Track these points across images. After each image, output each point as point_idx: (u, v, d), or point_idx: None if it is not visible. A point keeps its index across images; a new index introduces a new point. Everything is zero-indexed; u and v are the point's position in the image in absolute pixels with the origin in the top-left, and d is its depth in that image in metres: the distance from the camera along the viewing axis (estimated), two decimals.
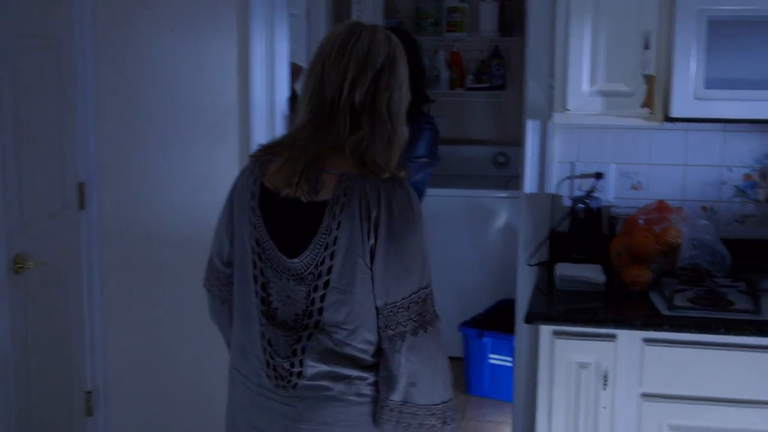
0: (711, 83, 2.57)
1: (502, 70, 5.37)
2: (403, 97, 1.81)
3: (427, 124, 3.14)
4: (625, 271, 2.75)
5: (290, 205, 1.75)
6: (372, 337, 1.77)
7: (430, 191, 4.90)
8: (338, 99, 1.73)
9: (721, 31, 2.53)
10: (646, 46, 2.65)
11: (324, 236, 1.73)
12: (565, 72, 2.74)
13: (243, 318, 1.86)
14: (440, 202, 4.98)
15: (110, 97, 3.30)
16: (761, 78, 2.55)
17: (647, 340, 2.51)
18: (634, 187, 3.08)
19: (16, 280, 2.92)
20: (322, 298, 1.74)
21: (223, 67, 3.23)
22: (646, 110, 2.69)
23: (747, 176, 3.02)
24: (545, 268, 3.02)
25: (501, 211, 4.97)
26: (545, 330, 2.57)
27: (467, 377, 4.61)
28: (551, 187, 3.12)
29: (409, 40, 3.13)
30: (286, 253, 1.77)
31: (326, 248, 1.72)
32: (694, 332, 2.46)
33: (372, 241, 1.71)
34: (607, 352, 2.53)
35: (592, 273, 2.79)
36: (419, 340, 1.73)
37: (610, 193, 3.09)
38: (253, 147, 3.02)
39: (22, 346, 2.99)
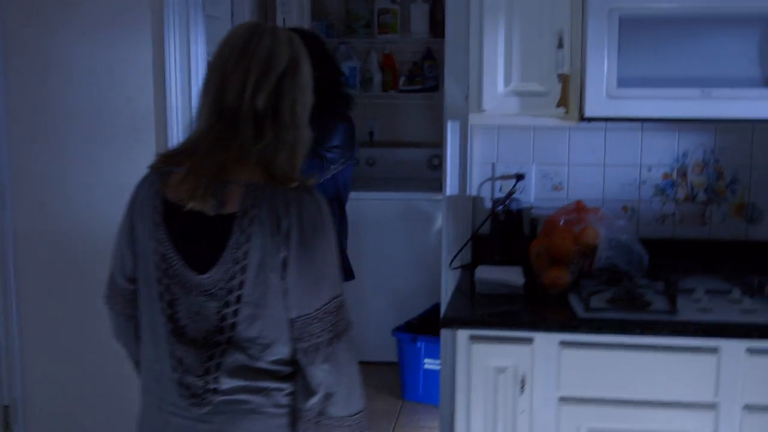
0: (624, 82, 2.54)
1: (435, 72, 5.34)
2: (307, 100, 1.75)
3: (342, 118, 3.08)
4: (544, 273, 2.72)
5: (196, 219, 1.67)
6: (287, 349, 1.72)
7: (365, 195, 4.91)
8: (240, 104, 1.66)
9: (632, 29, 2.50)
10: (560, 45, 2.63)
11: (234, 251, 1.66)
12: (480, 72, 2.69)
13: (151, 336, 1.78)
14: (375, 206, 4.94)
15: (22, 102, 3.20)
16: (673, 75, 2.53)
17: (564, 343, 2.47)
18: (555, 188, 3.05)
19: None
20: (235, 313, 1.67)
21: (138, 71, 3.15)
22: (561, 110, 2.66)
23: (666, 175, 3.01)
24: (467, 271, 2.98)
25: (436, 214, 4.93)
26: (462, 335, 2.52)
27: (402, 382, 4.56)
28: (473, 189, 3.08)
29: (316, 40, 3.09)
30: (194, 268, 1.70)
31: (237, 263, 1.66)
32: (610, 334, 2.43)
33: (284, 253, 1.65)
34: (524, 356, 2.49)
35: (511, 276, 2.75)
36: (334, 350, 1.69)
37: (531, 194, 3.06)
38: None
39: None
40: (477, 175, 3.08)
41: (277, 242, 1.64)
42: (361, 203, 4.97)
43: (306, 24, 4.63)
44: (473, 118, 2.75)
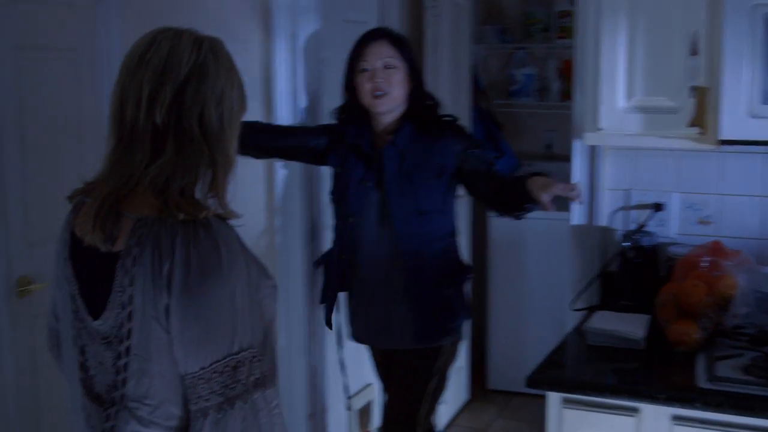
0: None
1: None
2: (225, 111, 1.45)
3: (458, 126, 2.69)
4: (669, 326, 2.25)
5: (93, 256, 1.45)
6: (179, 411, 1.44)
7: (536, 214, 4.51)
8: (136, 121, 1.42)
9: None
10: (693, 52, 2.15)
11: (119, 294, 1.42)
12: (596, 84, 2.28)
13: (69, 384, 1.59)
14: (544, 226, 4.53)
15: None
16: None
17: (678, 418, 2.02)
18: (701, 222, 2.55)
19: (19, 304, 2.78)
20: (125, 367, 1.44)
21: (247, 82, 2.96)
22: (694, 130, 2.18)
23: None
24: (592, 315, 2.55)
25: None
26: (553, 398, 2.13)
27: None
28: (602, 219, 2.64)
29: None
30: (91, 312, 1.48)
31: (123, 308, 1.42)
32: (732, 413, 1.94)
33: (166, 300, 1.38)
34: (627, 429, 2.05)
35: (631, 327, 2.31)
36: (225, 417, 1.38)
37: (673, 228, 2.57)
38: None
39: (30, 376, 2.85)
40: (608, 202, 2.64)
41: (159, 287, 1.38)
42: (530, 223, 4.56)
43: (473, 29, 4.30)
44: (589, 138, 2.34)
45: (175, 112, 1.40)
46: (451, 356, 2.76)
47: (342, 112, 2.71)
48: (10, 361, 2.78)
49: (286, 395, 2.96)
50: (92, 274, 1.47)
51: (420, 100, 2.63)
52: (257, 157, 2.73)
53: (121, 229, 1.42)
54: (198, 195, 1.44)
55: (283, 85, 2.93)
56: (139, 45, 1.45)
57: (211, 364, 1.38)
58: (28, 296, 2.78)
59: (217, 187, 1.45)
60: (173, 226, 1.38)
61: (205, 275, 1.36)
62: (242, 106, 1.50)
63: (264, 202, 2.94)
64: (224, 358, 1.38)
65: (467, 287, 2.76)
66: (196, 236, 1.37)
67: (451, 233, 2.68)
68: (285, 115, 2.92)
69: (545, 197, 2.19)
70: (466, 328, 2.92)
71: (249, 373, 1.39)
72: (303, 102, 2.98)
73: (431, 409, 2.77)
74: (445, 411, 4.09)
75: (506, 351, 4.63)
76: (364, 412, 3.78)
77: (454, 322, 2.69)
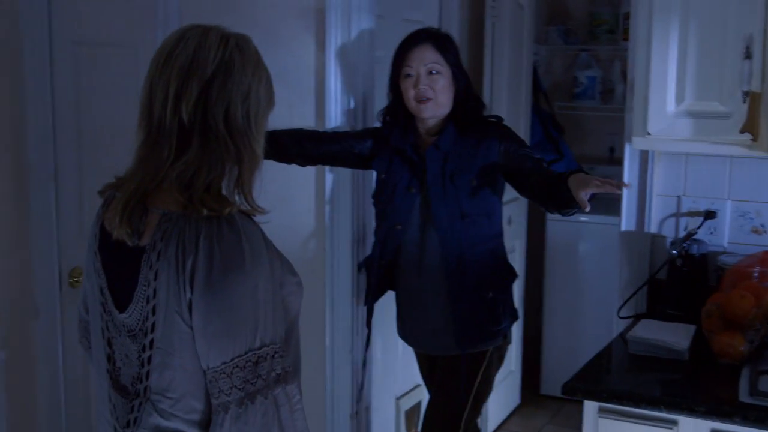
0: None
1: None
2: (251, 107, 1.45)
3: (499, 126, 2.62)
4: (715, 337, 2.19)
5: (121, 250, 1.47)
6: (200, 405, 1.45)
7: (595, 218, 4.44)
8: (163, 118, 1.43)
9: None
10: (747, 55, 2.09)
11: (144, 288, 1.44)
12: (646, 87, 2.22)
13: (97, 374, 1.62)
14: (602, 231, 4.45)
15: None
16: None
17: None
18: (755, 231, 2.47)
19: (72, 294, 2.85)
20: (149, 359, 1.46)
21: (301, 78, 2.98)
22: (747, 136, 2.12)
23: None
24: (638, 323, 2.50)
25: None
26: (590, 406, 2.09)
27: None
28: (652, 226, 2.58)
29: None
30: (118, 305, 1.51)
31: (148, 302, 1.44)
32: None
33: (188, 294, 1.39)
34: None
35: (675, 337, 2.25)
36: (246, 412, 1.39)
37: (724, 237, 2.50)
38: None
39: (81, 364, 2.92)
40: (659, 208, 2.58)
41: (182, 281, 1.39)
42: (589, 227, 4.52)
43: (537, 29, 4.25)
44: (637, 143, 2.28)
45: (201, 109, 1.41)
46: (497, 360, 2.73)
47: (387, 113, 2.70)
48: (61, 350, 2.85)
49: (329, 394, 2.97)
50: (120, 268, 1.50)
51: (465, 101, 2.58)
52: (303, 164, 2.73)
53: (148, 223, 1.44)
54: (224, 191, 1.45)
55: (334, 85, 2.93)
56: (167, 42, 1.47)
57: (232, 359, 1.39)
58: (80, 288, 2.84)
59: (243, 183, 1.45)
60: (197, 222, 1.39)
61: (227, 270, 1.37)
62: (270, 102, 1.51)
63: (313, 204, 2.95)
64: (246, 353, 1.39)
65: (512, 290, 2.71)
66: (220, 232, 1.39)
67: (496, 236, 2.63)
68: (336, 116, 2.92)
69: (582, 195, 2.15)
70: (514, 331, 2.87)
71: (270, 368, 1.40)
72: (354, 103, 2.98)
73: (475, 413, 2.74)
74: (494, 415, 4.05)
75: (560, 356, 4.56)
76: (412, 413, 3.77)
77: (499, 326, 2.63)
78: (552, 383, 4.58)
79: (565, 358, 4.53)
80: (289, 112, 2.99)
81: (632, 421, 2.03)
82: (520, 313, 4.17)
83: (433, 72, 2.54)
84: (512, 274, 2.70)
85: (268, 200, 1.59)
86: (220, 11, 3.06)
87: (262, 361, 1.40)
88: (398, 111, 2.64)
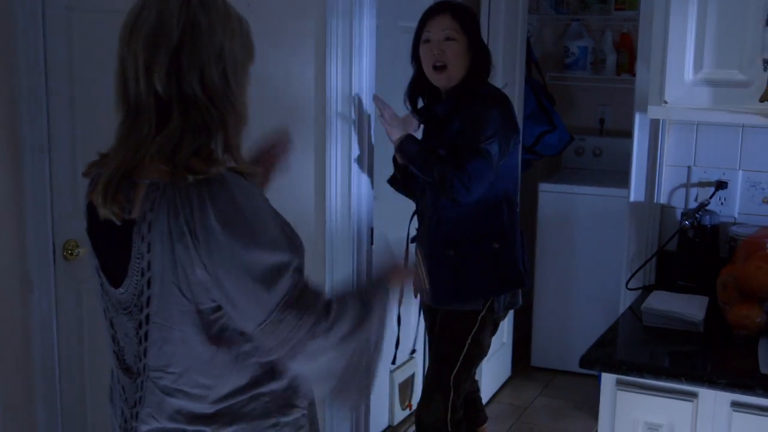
0: None
1: None
2: (228, 65, 1.39)
3: (493, 101, 2.70)
4: (730, 309, 2.17)
5: (109, 225, 1.42)
6: (207, 380, 1.42)
7: (586, 189, 4.44)
8: (138, 92, 1.37)
9: None
10: None
11: (138, 261, 1.39)
12: (663, 55, 2.18)
13: (109, 356, 1.57)
14: (595, 202, 4.45)
15: None
16: None
17: (737, 404, 1.94)
18: (766, 201, 2.45)
19: (66, 267, 2.78)
20: (146, 335, 1.41)
21: (303, 84, 2.81)
22: (766, 105, 2.08)
23: None
24: (647, 294, 2.47)
25: None
26: (607, 379, 2.06)
27: None
28: (662, 196, 2.55)
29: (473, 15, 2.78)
30: (112, 282, 1.46)
31: (142, 275, 1.39)
32: None
33: (199, 265, 1.34)
34: (684, 415, 1.98)
35: (689, 308, 2.23)
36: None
37: (735, 207, 2.47)
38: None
39: (75, 341, 2.85)
40: (669, 179, 2.55)
41: (180, 252, 1.34)
42: (581, 198, 4.50)
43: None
44: (653, 111, 2.24)
45: (175, 78, 1.36)
46: (491, 325, 2.79)
47: (409, 86, 2.82)
48: (55, 323, 2.79)
49: None
50: (112, 245, 1.45)
51: (477, 72, 2.69)
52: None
53: (136, 196, 1.39)
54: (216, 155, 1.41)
55: (336, 84, 2.77)
56: (130, 13, 1.41)
57: (272, 312, 1.37)
58: (74, 261, 2.77)
59: (230, 144, 1.40)
60: (185, 188, 1.34)
61: (233, 230, 1.33)
62: (248, 55, 1.45)
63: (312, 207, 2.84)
64: (275, 309, 1.37)
65: (519, 253, 2.77)
66: (212, 192, 1.34)
67: (501, 197, 2.71)
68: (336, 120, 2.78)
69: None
70: (520, 297, 2.87)
71: (298, 287, 1.40)
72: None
73: (466, 374, 2.76)
74: (486, 387, 4.04)
75: (551, 328, 4.56)
76: (406, 386, 3.75)
77: (498, 284, 2.72)
78: (543, 355, 4.59)
79: (556, 330, 4.53)
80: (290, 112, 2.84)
81: (651, 394, 2.01)
82: None
83: (449, 38, 2.65)
84: (521, 235, 2.81)
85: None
86: None
87: (301, 296, 1.39)
88: (421, 79, 2.77)
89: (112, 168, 1.39)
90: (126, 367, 1.48)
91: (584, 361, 2.06)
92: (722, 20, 2.11)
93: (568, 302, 4.50)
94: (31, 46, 2.61)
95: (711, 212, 2.42)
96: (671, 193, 2.55)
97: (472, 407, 3.04)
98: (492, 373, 4.16)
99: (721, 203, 2.47)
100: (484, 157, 2.55)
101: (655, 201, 2.56)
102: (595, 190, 4.50)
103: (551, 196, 4.54)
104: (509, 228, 2.75)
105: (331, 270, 2.71)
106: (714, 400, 1.96)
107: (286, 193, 2.81)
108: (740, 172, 2.46)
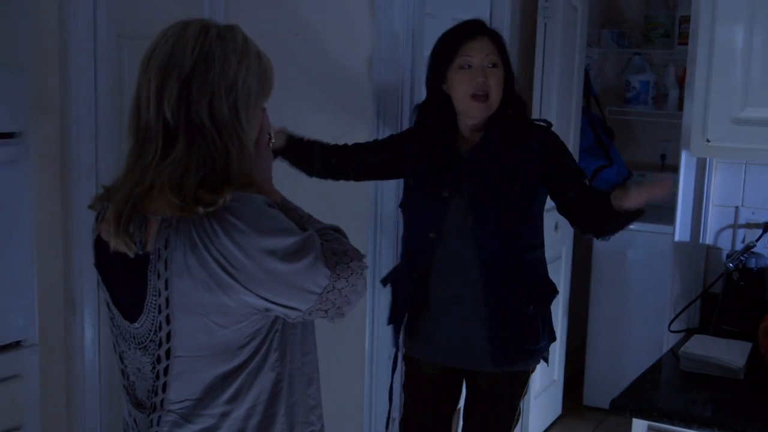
0: None
1: None
2: (239, 98, 1.39)
3: (548, 128, 2.46)
4: None
5: (122, 260, 1.41)
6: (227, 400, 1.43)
7: (645, 227, 4.30)
8: (148, 119, 1.37)
9: None
10: None
11: (155, 298, 1.38)
12: (706, 93, 2.12)
13: (119, 387, 1.57)
14: (648, 240, 4.33)
15: None
16: None
17: None
18: None
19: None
20: (166, 370, 1.40)
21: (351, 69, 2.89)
22: None
23: None
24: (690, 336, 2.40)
25: None
26: (638, 425, 1.99)
27: None
28: (708, 237, 2.48)
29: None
30: (127, 317, 1.45)
31: (159, 311, 1.38)
32: None
33: (217, 298, 1.35)
34: None
35: (729, 354, 2.15)
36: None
37: None
38: None
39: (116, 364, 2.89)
40: (715, 219, 2.48)
41: (206, 286, 1.34)
42: (639, 235, 4.39)
43: (589, 31, 4.13)
44: (696, 150, 2.18)
45: (184, 105, 1.35)
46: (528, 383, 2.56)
47: (423, 110, 2.50)
48: (98, 346, 2.82)
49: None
50: (123, 279, 1.45)
51: (512, 101, 2.40)
52: (336, 179, 2.61)
53: (149, 230, 1.39)
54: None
55: (383, 82, 2.85)
56: (151, 44, 1.41)
57: (321, 291, 1.40)
58: None
59: (231, 178, 1.38)
60: (197, 223, 1.34)
61: (250, 256, 1.33)
62: (263, 91, 1.44)
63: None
64: (325, 286, 1.40)
65: (550, 308, 2.51)
66: (224, 225, 1.33)
67: (538, 246, 2.45)
68: (383, 113, 2.83)
69: (627, 204, 2.05)
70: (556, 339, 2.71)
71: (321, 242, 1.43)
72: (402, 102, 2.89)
73: None
74: (535, 424, 3.96)
75: (604, 367, 4.45)
76: None
77: (538, 344, 2.44)
78: (595, 394, 4.47)
79: (609, 369, 4.42)
80: (343, 109, 2.90)
81: None
82: (565, 321, 4.08)
83: (493, 65, 2.34)
84: (553, 290, 2.50)
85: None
86: (266, 5, 3.01)
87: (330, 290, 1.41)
88: (437, 107, 2.44)
89: (122, 198, 1.39)
90: (137, 402, 1.48)
91: (615, 405, 2.00)
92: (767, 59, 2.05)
93: (622, 341, 4.39)
94: (82, 71, 2.68)
95: (758, 255, 2.34)
96: (717, 233, 2.47)
97: None
98: (541, 410, 4.07)
99: None
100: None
101: (700, 241, 2.48)
102: (653, 227, 4.38)
103: None
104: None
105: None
106: None
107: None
108: None
